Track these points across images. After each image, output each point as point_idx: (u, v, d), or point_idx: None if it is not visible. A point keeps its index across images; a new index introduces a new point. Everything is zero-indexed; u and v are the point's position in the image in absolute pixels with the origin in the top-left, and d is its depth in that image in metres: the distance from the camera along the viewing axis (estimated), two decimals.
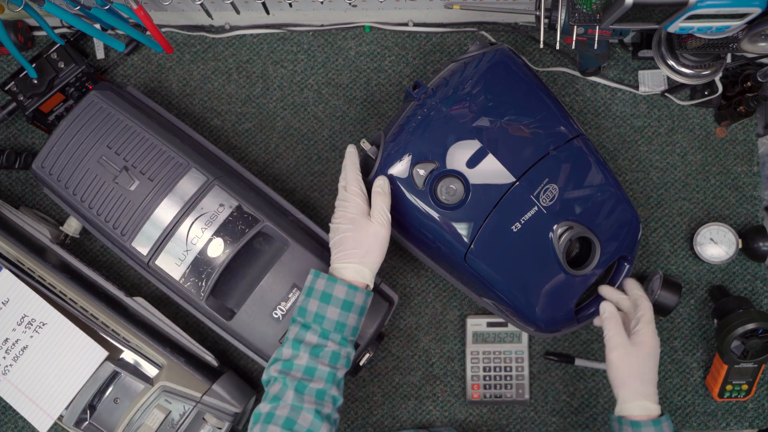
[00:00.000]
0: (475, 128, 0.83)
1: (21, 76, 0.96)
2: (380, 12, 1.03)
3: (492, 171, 0.83)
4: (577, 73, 1.04)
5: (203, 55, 1.05)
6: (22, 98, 0.97)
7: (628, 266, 0.91)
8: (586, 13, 0.81)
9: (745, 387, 0.99)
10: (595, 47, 0.87)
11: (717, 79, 0.95)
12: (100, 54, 1.04)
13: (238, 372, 1.00)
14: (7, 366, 0.91)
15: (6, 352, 0.91)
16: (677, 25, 0.74)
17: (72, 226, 0.99)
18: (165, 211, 0.86)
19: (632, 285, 0.87)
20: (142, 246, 0.87)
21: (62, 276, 0.93)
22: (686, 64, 0.90)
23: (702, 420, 1.02)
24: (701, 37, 0.81)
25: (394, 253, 1.02)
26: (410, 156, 0.83)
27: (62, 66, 0.97)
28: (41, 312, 0.91)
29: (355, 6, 1.00)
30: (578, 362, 1.01)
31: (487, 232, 0.83)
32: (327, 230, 0.85)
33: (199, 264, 0.86)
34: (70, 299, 0.92)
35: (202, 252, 0.86)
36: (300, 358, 0.76)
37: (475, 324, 1.00)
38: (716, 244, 1.01)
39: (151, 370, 0.93)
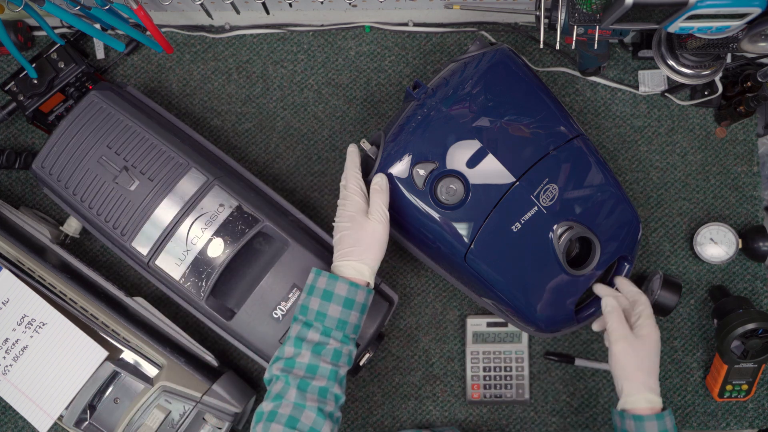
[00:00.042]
0: (475, 128, 0.83)
1: (21, 76, 0.96)
2: (380, 12, 1.03)
3: (492, 171, 0.83)
4: (577, 73, 1.04)
5: (203, 55, 1.05)
6: (22, 98, 0.97)
7: (628, 266, 0.91)
8: (586, 13, 0.81)
9: (745, 387, 0.99)
10: (595, 47, 0.87)
11: (717, 79, 0.95)
12: (100, 54, 1.04)
13: (238, 372, 1.00)
14: (7, 366, 0.91)
15: (6, 352, 0.91)
16: (677, 25, 0.74)
17: (72, 226, 0.99)
18: (165, 211, 0.86)
19: (625, 282, 0.88)
20: (142, 246, 0.87)
21: (62, 276, 0.92)
22: (686, 64, 0.90)
23: (702, 420, 1.02)
24: (701, 37, 0.81)
25: (394, 253, 1.02)
26: (410, 156, 0.83)
27: (62, 66, 0.97)
28: (41, 312, 0.91)
29: (355, 6, 1.00)
30: (578, 362, 1.01)
31: (487, 232, 0.83)
32: (327, 230, 0.85)
33: (199, 264, 0.86)
34: (70, 299, 0.92)
35: (202, 252, 0.86)
36: (302, 356, 0.76)
37: (475, 324, 1.00)
38: (716, 244, 1.01)
39: (151, 370, 0.93)
